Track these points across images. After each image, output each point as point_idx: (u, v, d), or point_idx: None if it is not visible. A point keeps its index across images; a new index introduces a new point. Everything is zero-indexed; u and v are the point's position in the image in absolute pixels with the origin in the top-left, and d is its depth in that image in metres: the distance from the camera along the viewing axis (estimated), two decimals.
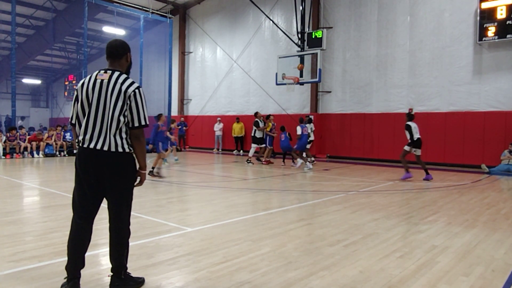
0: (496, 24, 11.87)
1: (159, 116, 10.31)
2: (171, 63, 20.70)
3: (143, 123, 2.91)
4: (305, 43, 13.89)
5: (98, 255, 3.76)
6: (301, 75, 13.82)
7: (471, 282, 3.23)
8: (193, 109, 22.11)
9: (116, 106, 2.83)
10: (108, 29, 20.33)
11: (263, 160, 13.68)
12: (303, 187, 8.64)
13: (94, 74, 2.95)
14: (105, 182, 2.86)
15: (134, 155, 2.96)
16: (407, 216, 5.69)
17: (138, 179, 3.04)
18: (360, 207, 6.27)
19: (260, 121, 13.95)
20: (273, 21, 16.73)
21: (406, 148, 9.80)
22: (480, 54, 12.56)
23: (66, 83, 28.85)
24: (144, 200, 6.60)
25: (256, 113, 14.34)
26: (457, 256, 3.89)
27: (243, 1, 18.48)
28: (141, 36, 19.62)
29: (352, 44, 15.52)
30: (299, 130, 12.02)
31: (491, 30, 11.95)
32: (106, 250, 3.86)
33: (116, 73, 2.92)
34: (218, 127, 19.38)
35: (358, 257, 3.80)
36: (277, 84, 14.71)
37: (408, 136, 9.73)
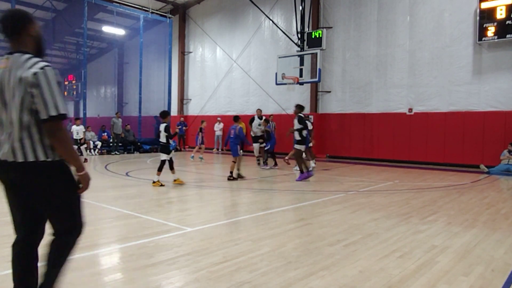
0: (495, 24, 11.87)
1: (236, 118, 9.71)
2: (171, 63, 20.71)
3: (53, 113, 2.11)
4: (305, 43, 13.88)
5: (98, 255, 3.76)
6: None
7: (470, 282, 3.23)
8: (193, 109, 22.11)
9: (14, 100, 2.14)
10: (107, 29, 20.33)
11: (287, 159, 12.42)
12: (303, 187, 8.64)
13: None
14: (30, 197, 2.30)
15: (51, 162, 2.23)
16: (407, 216, 5.69)
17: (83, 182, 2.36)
18: (360, 207, 6.27)
19: (256, 119, 13.35)
20: (272, 21, 16.72)
21: (299, 147, 9.46)
22: (480, 54, 12.56)
23: (66, 83, 28.85)
24: (144, 200, 6.59)
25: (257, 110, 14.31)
26: (457, 256, 3.89)
27: (243, 1, 18.47)
28: (140, 36, 19.63)
29: (352, 44, 15.52)
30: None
31: (491, 30, 11.95)
32: (105, 250, 3.87)
33: (16, 56, 2.21)
34: (218, 127, 19.38)
35: (358, 257, 3.80)
36: (277, 84, 14.71)
37: (295, 127, 9.36)
